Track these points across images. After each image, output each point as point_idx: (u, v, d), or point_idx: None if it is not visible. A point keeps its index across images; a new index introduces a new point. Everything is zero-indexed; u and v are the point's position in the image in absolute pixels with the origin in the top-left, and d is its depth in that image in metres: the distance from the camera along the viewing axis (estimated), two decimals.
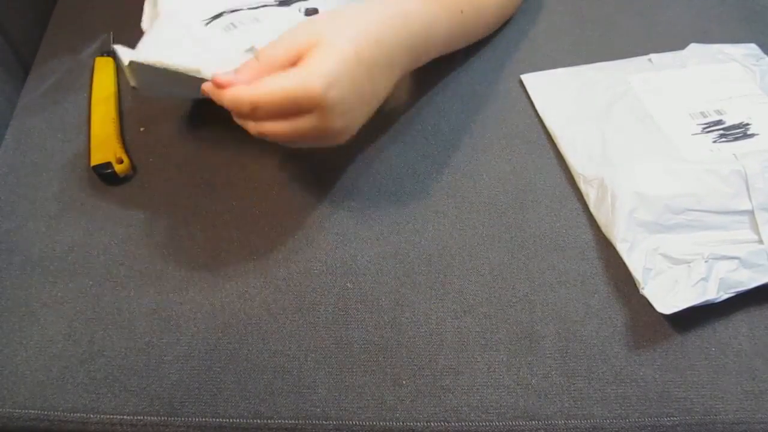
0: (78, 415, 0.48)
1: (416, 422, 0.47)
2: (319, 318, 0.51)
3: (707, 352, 0.49)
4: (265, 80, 0.44)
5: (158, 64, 0.48)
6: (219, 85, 0.44)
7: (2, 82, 0.68)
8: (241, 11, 0.54)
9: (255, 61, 0.46)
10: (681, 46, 0.65)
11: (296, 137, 0.47)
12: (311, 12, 0.51)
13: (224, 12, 0.53)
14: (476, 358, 0.49)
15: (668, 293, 0.48)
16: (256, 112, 0.44)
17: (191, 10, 0.54)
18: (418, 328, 0.50)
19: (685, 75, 0.62)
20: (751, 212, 0.52)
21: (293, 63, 0.45)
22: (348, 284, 0.52)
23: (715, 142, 0.56)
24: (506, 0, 0.61)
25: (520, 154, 0.59)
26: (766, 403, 0.47)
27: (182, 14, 0.53)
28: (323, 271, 0.53)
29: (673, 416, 0.47)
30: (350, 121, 0.48)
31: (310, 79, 0.44)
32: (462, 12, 0.54)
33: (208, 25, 0.52)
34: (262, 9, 0.54)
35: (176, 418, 0.47)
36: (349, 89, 0.45)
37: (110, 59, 0.66)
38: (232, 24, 0.52)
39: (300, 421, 0.47)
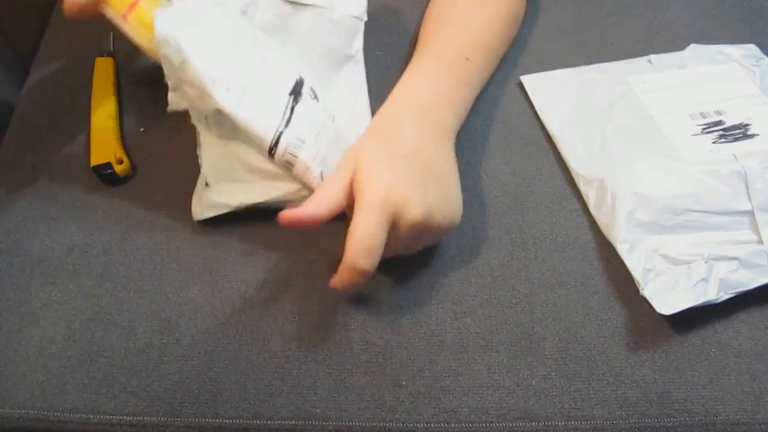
0: (78, 415, 0.48)
1: (416, 423, 0.47)
2: (319, 319, 0.51)
3: (707, 352, 0.49)
4: (349, 237, 0.44)
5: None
6: (293, 222, 0.45)
7: (2, 82, 0.68)
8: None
9: (317, 195, 0.46)
10: (681, 46, 0.65)
11: (402, 248, 0.50)
12: (299, 83, 0.52)
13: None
14: (476, 360, 0.49)
15: (668, 294, 0.48)
16: (369, 258, 0.45)
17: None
18: (418, 329, 0.50)
19: (684, 76, 0.62)
20: (751, 213, 0.52)
21: (350, 193, 0.47)
22: None
23: (714, 142, 0.56)
24: (506, 22, 0.62)
25: (520, 156, 0.59)
26: (766, 404, 0.47)
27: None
28: (323, 271, 0.53)
29: (674, 417, 0.47)
30: (435, 202, 0.48)
31: (371, 197, 0.45)
32: (468, 59, 0.57)
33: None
34: None
35: (176, 419, 0.47)
36: (406, 180, 0.46)
37: (110, 59, 0.66)
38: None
39: (300, 422, 0.47)
